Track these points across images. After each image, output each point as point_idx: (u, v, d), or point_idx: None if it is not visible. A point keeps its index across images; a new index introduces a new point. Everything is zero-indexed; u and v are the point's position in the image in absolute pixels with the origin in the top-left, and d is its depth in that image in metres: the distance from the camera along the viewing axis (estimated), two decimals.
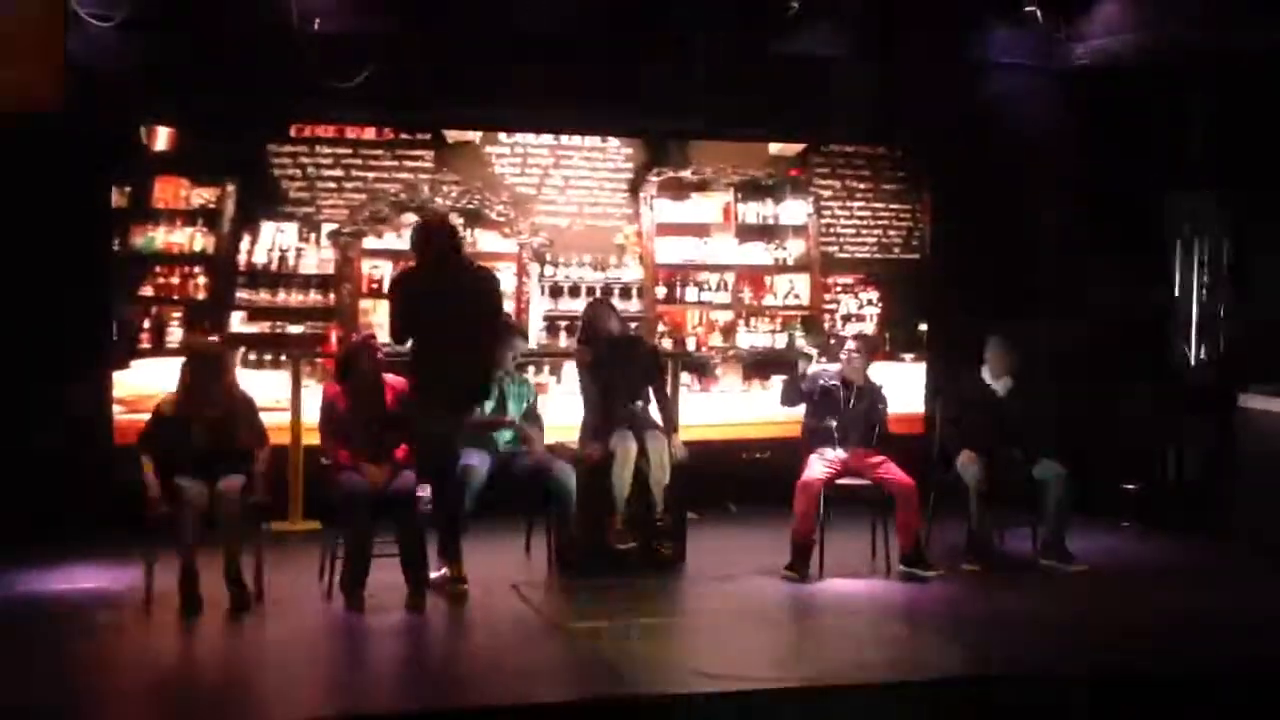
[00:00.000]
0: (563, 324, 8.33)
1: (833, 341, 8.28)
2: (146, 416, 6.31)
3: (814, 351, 8.33)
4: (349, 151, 8.10)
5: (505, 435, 6.79)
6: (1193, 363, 8.54)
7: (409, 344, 6.26)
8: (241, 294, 7.93)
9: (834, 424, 6.91)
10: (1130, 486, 8.27)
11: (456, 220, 8.14)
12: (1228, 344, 8.43)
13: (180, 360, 6.39)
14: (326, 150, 8.07)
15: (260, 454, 6.16)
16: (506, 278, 8.27)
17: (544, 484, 6.63)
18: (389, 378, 6.37)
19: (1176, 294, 8.61)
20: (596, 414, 6.90)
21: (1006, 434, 7.00)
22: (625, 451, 6.68)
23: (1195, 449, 8.36)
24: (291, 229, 8.02)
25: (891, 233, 9.00)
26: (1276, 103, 7.75)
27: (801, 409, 7.09)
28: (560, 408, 7.66)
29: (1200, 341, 8.53)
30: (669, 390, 7.40)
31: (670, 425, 7.02)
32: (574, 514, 6.62)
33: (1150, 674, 5.30)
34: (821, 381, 7.06)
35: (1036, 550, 6.99)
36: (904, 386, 8.49)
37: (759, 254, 8.81)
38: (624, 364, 6.95)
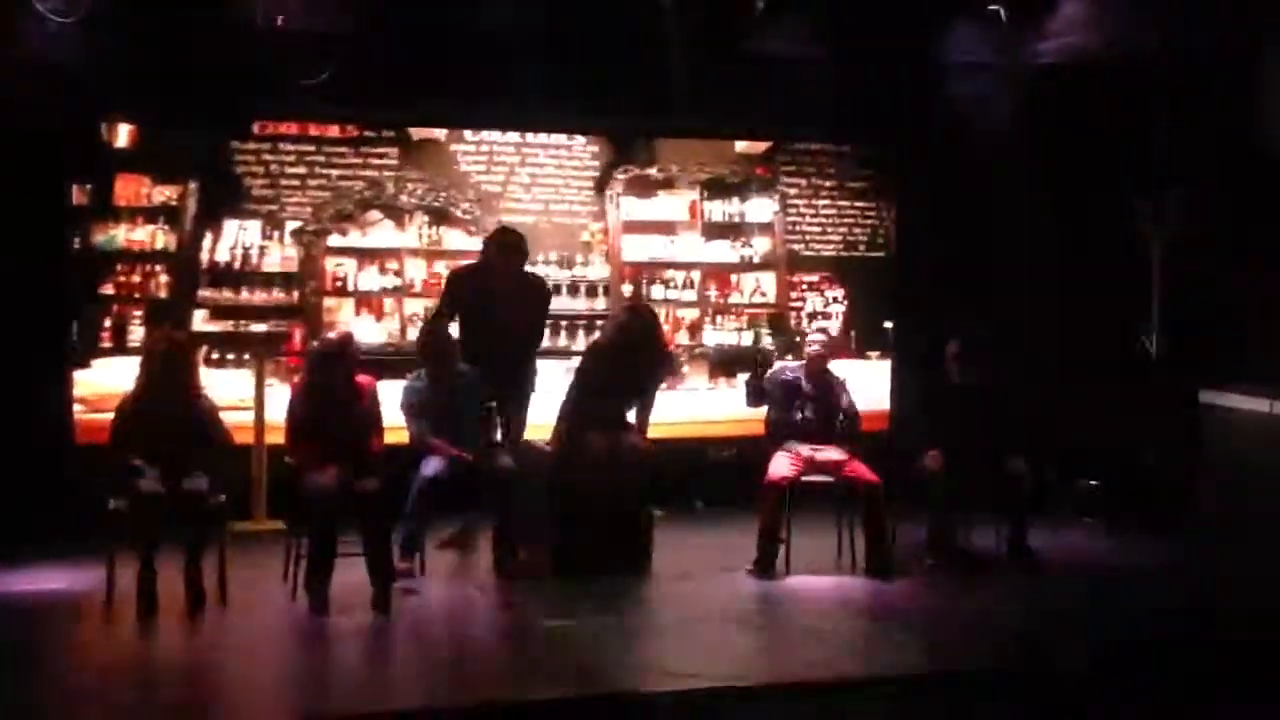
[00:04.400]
0: None
1: (798, 339, 8.30)
2: (107, 416, 6.26)
3: (773, 350, 8.34)
4: (313, 149, 8.06)
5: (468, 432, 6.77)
6: (1155, 359, 8.61)
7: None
8: (204, 292, 7.88)
9: (798, 419, 6.94)
10: (1093, 483, 8.32)
11: (422, 218, 8.16)
12: (1190, 341, 8.49)
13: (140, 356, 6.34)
14: (290, 147, 8.02)
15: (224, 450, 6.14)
16: None
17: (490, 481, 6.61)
18: (361, 378, 6.34)
19: (1139, 292, 8.68)
20: (581, 410, 6.89)
21: (970, 431, 7.02)
22: (597, 450, 6.70)
23: (1158, 446, 8.42)
24: (255, 227, 7.97)
25: (857, 231, 9.02)
26: (1236, 101, 7.82)
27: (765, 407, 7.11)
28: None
29: (1163, 339, 8.59)
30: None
31: (641, 427, 7.03)
32: (515, 510, 6.62)
33: (1108, 670, 5.34)
34: (783, 378, 7.08)
35: (999, 547, 7.02)
36: (870, 384, 8.51)
37: (725, 252, 8.82)
38: (625, 368, 6.94)
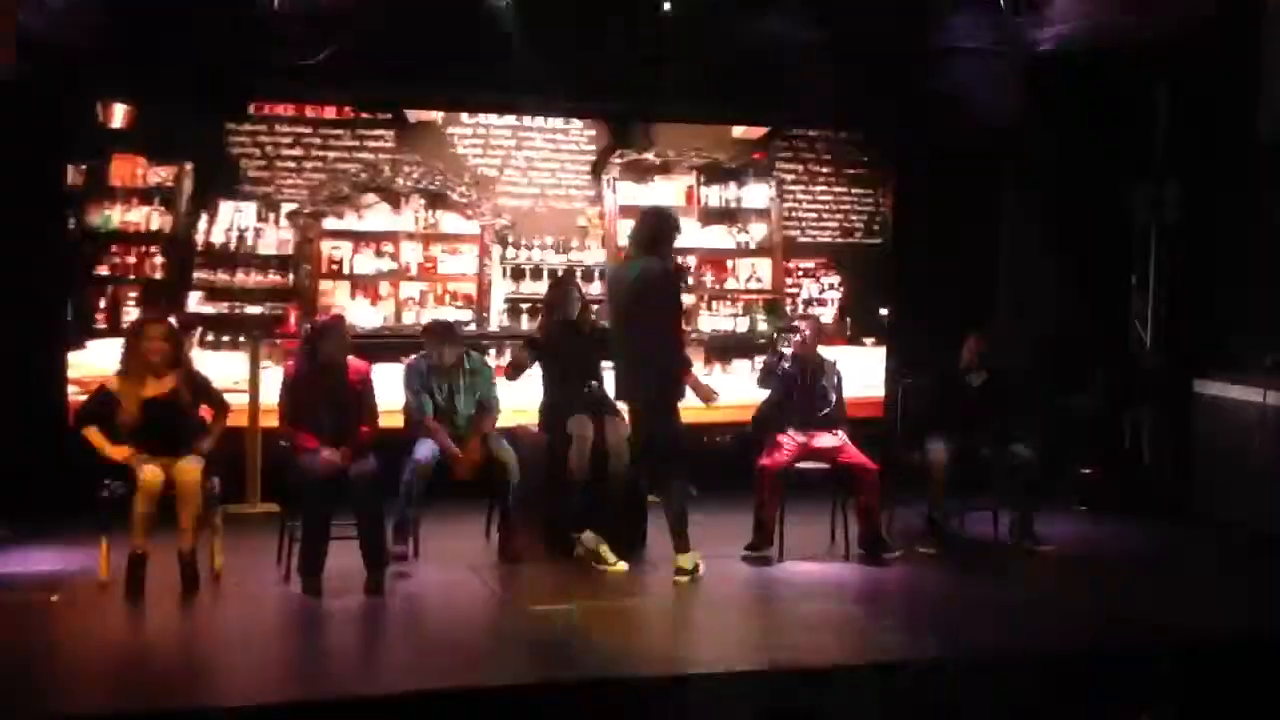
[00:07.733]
0: (524, 306, 8.31)
1: (794, 324, 8.31)
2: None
3: (778, 335, 8.35)
4: (309, 131, 8.03)
5: (461, 420, 6.77)
6: (1149, 348, 8.61)
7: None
8: (199, 274, 7.85)
9: (790, 404, 6.95)
10: (1086, 470, 8.33)
11: (418, 201, 8.14)
12: (1184, 330, 8.49)
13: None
14: (286, 129, 7.99)
15: (221, 421, 6.14)
16: (468, 260, 8.26)
17: (488, 468, 6.62)
18: (352, 360, 6.33)
19: (1134, 281, 8.68)
20: (554, 395, 6.92)
21: (975, 419, 7.05)
22: (581, 435, 6.69)
23: (1151, 434, 8.43)
24: (250, 209, 7.94)
25: (854, 217, 9.01)
26: (1233, 92, 7.80)
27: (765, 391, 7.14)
28: (520, 390, 7.60)
29: (1157, 328, 8.60)
30: None
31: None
32: (517, 496, 6.63)
33: (1103, 653, 5.36)
34: (784, 364, 7.10)
35: (999, 533, 7.04)
36: (865, 370, 8.53)
37: (721, 237, 8.81)
38: (577, 346, 6.95)
